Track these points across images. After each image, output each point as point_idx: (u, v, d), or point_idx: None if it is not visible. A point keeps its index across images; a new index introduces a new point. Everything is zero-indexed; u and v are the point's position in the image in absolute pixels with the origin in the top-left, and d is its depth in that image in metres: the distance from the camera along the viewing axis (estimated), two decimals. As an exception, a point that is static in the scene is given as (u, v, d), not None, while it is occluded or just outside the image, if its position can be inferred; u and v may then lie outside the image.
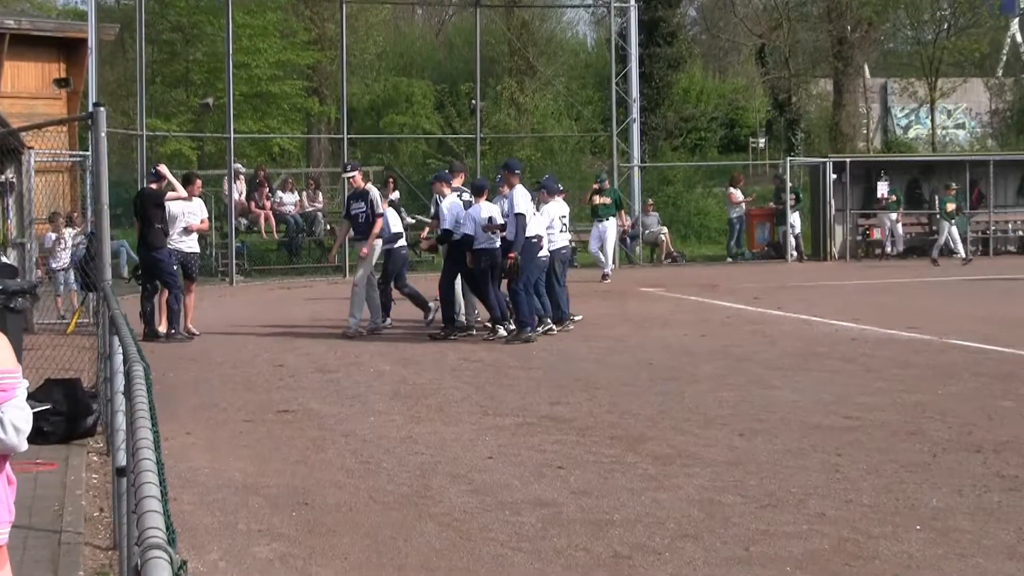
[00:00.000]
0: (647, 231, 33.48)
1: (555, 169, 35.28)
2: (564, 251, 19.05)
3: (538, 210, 18.56)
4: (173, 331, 18.09)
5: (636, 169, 34.53)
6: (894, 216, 33.81)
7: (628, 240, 32.97)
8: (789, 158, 35.36)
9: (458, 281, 18.30)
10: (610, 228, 27.58)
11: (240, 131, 33.72)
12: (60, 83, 28.56)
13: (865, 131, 49.07)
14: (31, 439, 4.05)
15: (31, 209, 18.58)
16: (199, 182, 20.07)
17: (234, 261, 28.39)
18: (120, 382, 6.84)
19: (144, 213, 18.17)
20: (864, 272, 29.45)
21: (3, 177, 18.51)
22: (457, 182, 18.68)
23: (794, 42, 47.04)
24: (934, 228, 34.40)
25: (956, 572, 7.19)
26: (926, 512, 8.36)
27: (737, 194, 33.69)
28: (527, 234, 17.41)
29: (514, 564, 7.47)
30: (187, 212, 18.68)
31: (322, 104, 43.81)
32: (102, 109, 10.81)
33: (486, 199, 18.01)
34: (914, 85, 48.38)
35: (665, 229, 33.88)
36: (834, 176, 33.54)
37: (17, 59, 28.23)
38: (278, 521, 8.39)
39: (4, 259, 16.81)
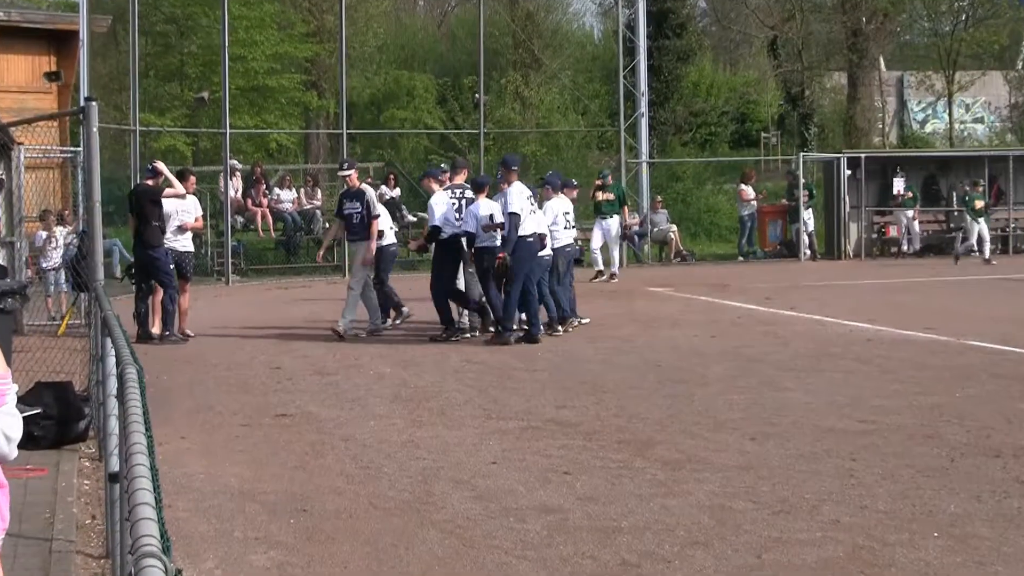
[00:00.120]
0: (656, 229, 33.48)
1: (561, 165, 35.28)
2: (569, 249, 19.03)
3: (540, 207, 18.56)
4: (167, 333, 18.10)
5: (644, 165, 34.51)
6: (910, 213, 33.81)
7: (636, 238, 32.98)
8: (802, 154, 35.32)
9: (460, 282, 18.33)
10: (615, 226, 27.57)
11: (236, 126, 33.72)
12: (51, 76, 28.55)
13: (880, 126, 49.07)
14: (20, 444, 4.04)
15: (21, 207, 18.58)
16: (193, 179, 20.10)
17: (230, 260, 28.42)
18: (113, 385, 6.85)
19: (140, 210, 18.15)
20: (879, 271, 29.44)
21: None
22: (460, 179, 18.66)
23: (807, 34, 47.03)
24: (952, 226, 34.42)
25: (974, 580, 7.19)
26: (944, 518, 8.35)
27: (748, 191, 33.69)
28: (523, 233, 17.38)
29: (519, 573, 7.47)
30: (181, 210, 18.67)
31: (321, 98, 43.82)
32: (94, 103, 10.82)
33: (488, 196, 18.01)
34: (931, 78, 48.39)
35: (674, 227, 33.90)
36: (848, 172, 33.55)
37: (6, 52, 28.21)
38: (276, 528, 8.40)
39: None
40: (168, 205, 18.44)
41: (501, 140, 39.68)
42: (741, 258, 33.44)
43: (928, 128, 51.41)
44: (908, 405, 12.36)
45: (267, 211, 30.44)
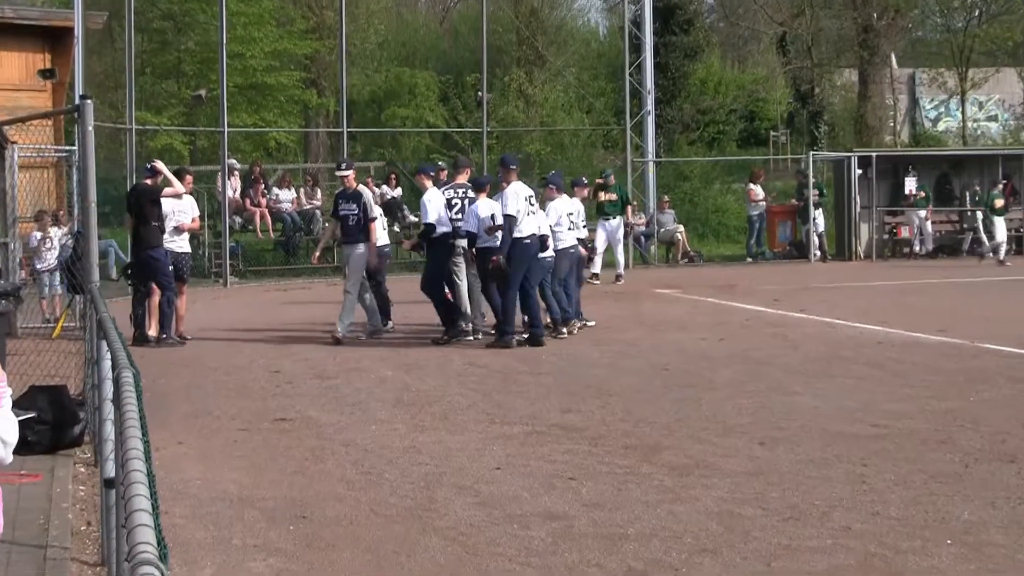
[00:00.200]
0: (662, 229, 33.47)
1: (565, 164, 35.35)
2: (572, 250, 18.98)
3: (543, 207, 18.54)
4: (164, 335, 18.10)
5: (651, 164, 34.52)
6: (923, 213, 33.78)
7: (642, 239, 32.99)
8: (812, 152, 35.30)
9: (464, 284, 18.34)
10: (618, 227, 27.55)
11: (234, 125, 33.76)
12: (45, 74, 28.54)
13: (892, 124, 49.04)
14: (14, 449, 4.04)
15: (14, 207, 18.60)
16: (190, 178, 20.10)
17: (228, 262, 28.41)
18: (108, 389, 6.85)
19: (139, 210, 18.12)
20: (891, 272, 29.42)
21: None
22: (462, 178, 18.66)
23: (817, 30, 47.04)
24: (965, 226, 34.40)
25: (989, 589, 7.18)
26: (957, 526, 8.34)
27: (757, 190, 33.69)
28: (521, 234, 17.35)
29: (523, 580, 7.48)
30: (177, 210, 18.67)
31: (320, 96, 43.87)
32: (89, 102, 10.82)
33: (490, 195, 18.02)
34: (944, 75, 48.38)
35: (681, 227, 33.89)
36: (859, 171, 33.51)
37: (-1, 49, 28.25)
38: (275, 535, 8.40)
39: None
40: (164, 205, 18.44)
41: (505, 139, 39.71)
42: (750, 259, 33.42)
43: (940, 126, 51.41)
44: (921, 409, 12.35)
45: (266, 211, 30.44)
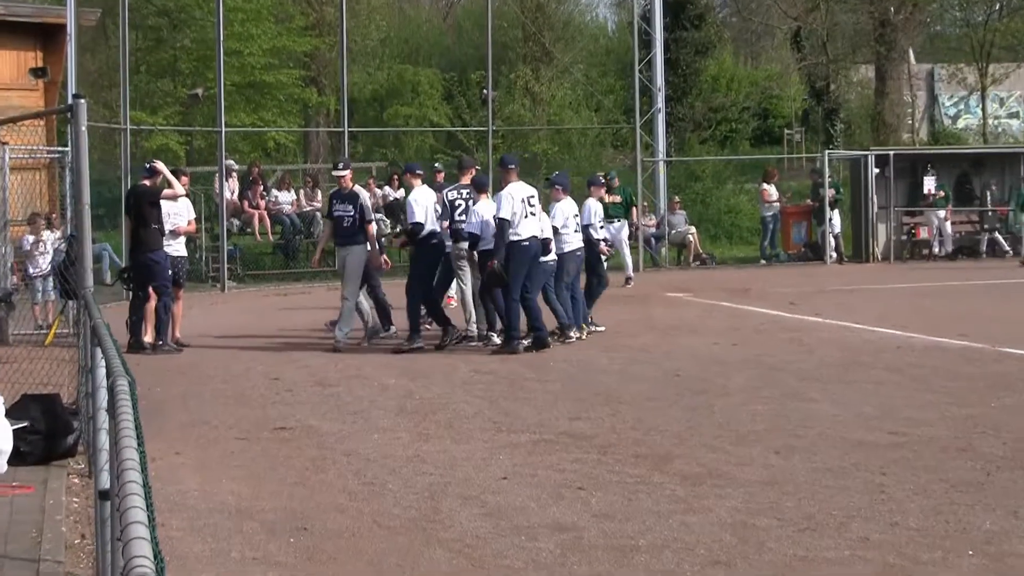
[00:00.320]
0: (673, 231, 33.47)
1: (573, 164, 35.36)
2: (579, 253, 18.94)
3: (546, 209, 18.50)
4: (160, 342, 18.11)
5: (661, 164, 34.53)
6: (942, 214, 33.76)
7: (653, 241, 33.00)
8: (827, 151, 35.30)
9: (469, 288, 18.36)
10: (623, 229, 27.54)
11: (232, 124, 33.75)
12: (37, 73, 28.61)
13: (910, 121, 49.03)
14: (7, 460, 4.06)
15: (6, 210, 18.61)
16: (187, 179, 20.10)
17: (226, 266, 28.41)
18: (103, 397, 6.85)
19: (139, 212, 18.10)
20: (910, 275, 29.40)
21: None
22: (466, 179, 18.66)
23: (832, 25, 47.02)
24: (986, 227, 34.37)
25: (1012, 601, 7.18)
26: (979, 536, 8.33)
27: (771, 191, 33.68)
28: (520, 236, 17.30)
29: (531, 594, 7.48)
30: (173, 213, 18.67)
31: (321, 95, 43.90)
32: (82, 101, 10.83)
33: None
34: (963, 71, 48.33)
35: (693, 229, 33.87)
36: (877, 170, 33.49)
37: (-10, 47, 28.30)
38: (275, 548, 8.40)
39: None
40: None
41: (510, 138, 39.73)
42: (763, 261, 33.41)
43: (960, 124, 51.36)
44: (941, 416, 12.34)
45: (264, 213, 30.46)
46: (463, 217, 18.06)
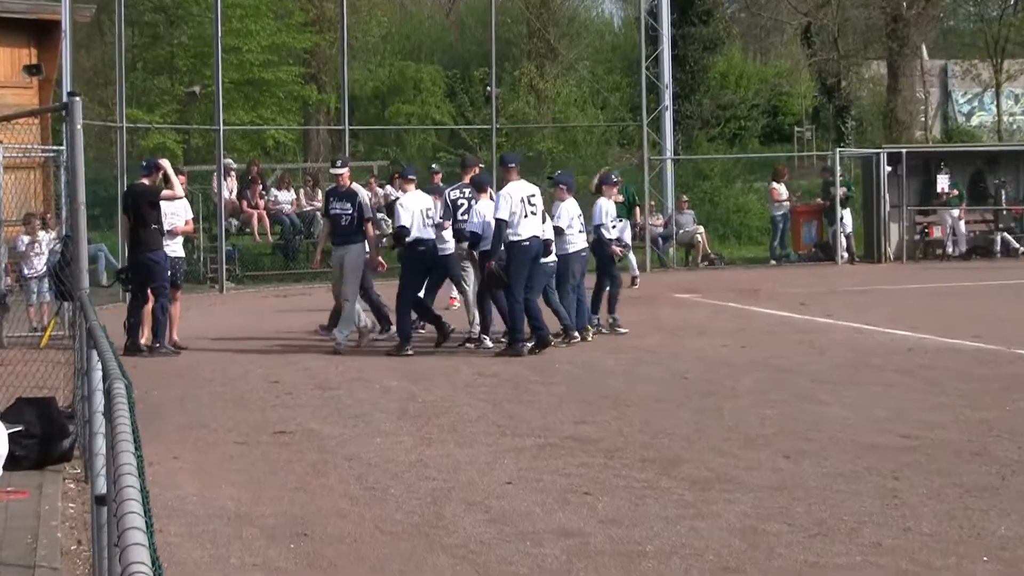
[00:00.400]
0: (681, 231, 33.47)
1: (579, 162, 35.36)
2: (584, 254, 18.92)
3: (550, 209, 18.48)
4: (158, 344, 18.11)
5: (669, 162, 34.51)
6: (956, 213, 33.74)
7: (660, 241, 32.99)
8: (839, 149, 35.29)
9: (471, 290, 18.38)
10: (626, 229, 27.50)
11: (230, 122, 33.77)
12: (31, 70, 28.60)
13: (923, 118, 48.94)
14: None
15: (0, 210, 18.60)
16: (184, 178, 20.10)
17: (224, 266, 28.42)
18: (99, 401, 6.86)
19: (137, 212, 18.07)
20: (922, 275, 29.40)
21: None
22: (468, 178, 18.68)
23: (843, 20, 46.99)
24: (1000, 226, 34.34)
25: (1027, 608, 7.18)
26: (993, 541, 8.33)
27: (781, 190, 33.67)
28: (520, 236, 17.27)
29: (536, 601, 7.48)
30: (170, 213, 18.64)
31: (321, 92, 43.87)
32: (78, 99, 10.83)
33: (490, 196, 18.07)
34: (977, 67, 48.26)
35: (701, 228, 33.88)
36: (889, 169, 33.47)
37: (-17, 44, 28.30)
38: (275, 554, 8.40)
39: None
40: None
41: (515, 136, 39.72)
42: (773, 262, 33.41)
43: (974, 121, 51.28)
44: (954, 419, 12.34)
45: (264, 213, 30.45)
46: (466, 217, 18.07)
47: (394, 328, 18.88)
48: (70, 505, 9.85)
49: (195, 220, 23.16)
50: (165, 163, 18.81)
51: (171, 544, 8.46)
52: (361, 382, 15.49)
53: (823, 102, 47.84)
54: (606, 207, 19.50)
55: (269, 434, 12.43)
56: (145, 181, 18.53)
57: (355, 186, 19.13)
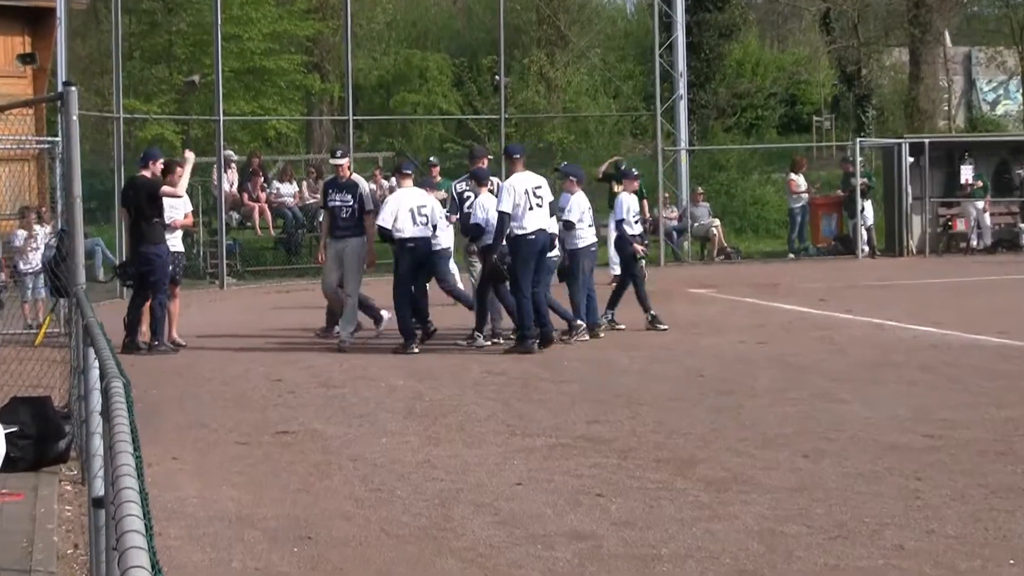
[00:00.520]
0: (696, 224, 33.47)
1: (591, 153, 35.34)
2: (593, 249, 18.88)
3: (558, 200, 18.47)
4: (156, 342, 18.12)
5: (683, 153, 34.51)
6: (980, 204, 33.69)
7: (675, 234, 32.99)
8: (859, 139, 35.24)
9: (466, 288, 18.47)
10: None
11: (230, 113, 33.77)
12: (25, 59, 28.64)
13: (946, 107, 48.94)
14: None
15: (-7, 204, 18.62)
16: (181, 170, 20.06)
17: (224, 261, 28.44)
18: (97, 400, 6.86)
19: (139, 205, 18.06)
20: (946, 269, 29.37)
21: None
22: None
23: (864, 6, 46.94)
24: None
25: (1055, 613, 7.17)
26: (1020, 544, 8.33)
27: (799, 181, 33.65)
28: (525, 230, 17.24)
29: (547, 606, 7.48)
30: (169, 206, 18.63)
31: (324, 81, 43.91)
32: (73, 89, 10.85)
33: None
34: (1002, 54, 48.26)
35: (717, 221, 33.87)
36: (911, 159, 33.44)
37: (-24, 33, 28.34)
38: (277, 558, 8.41)
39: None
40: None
41: (524, 126, 39.71)
42: (791, 255, 33.39)
43: (999, 110, 51.28)
44: (979, 418, 12.33)
45: (265, 206, 30.47)
46: (472, 209, 18.10)
47: (387, 314, 18.78)
48: (67, 508, 9.86)
49: (195, 214, 23.18)
50: (190, 156, 18.85)
51: (171, 547, 8.46)
52: (366, 380, 15.50)
53: (843, 91, 47.80)
54: (628, 202, 19.42)
55: (271, 434, 12.44)
56: (145, 173, 18.52)
57: (356, 177, 19.11)
